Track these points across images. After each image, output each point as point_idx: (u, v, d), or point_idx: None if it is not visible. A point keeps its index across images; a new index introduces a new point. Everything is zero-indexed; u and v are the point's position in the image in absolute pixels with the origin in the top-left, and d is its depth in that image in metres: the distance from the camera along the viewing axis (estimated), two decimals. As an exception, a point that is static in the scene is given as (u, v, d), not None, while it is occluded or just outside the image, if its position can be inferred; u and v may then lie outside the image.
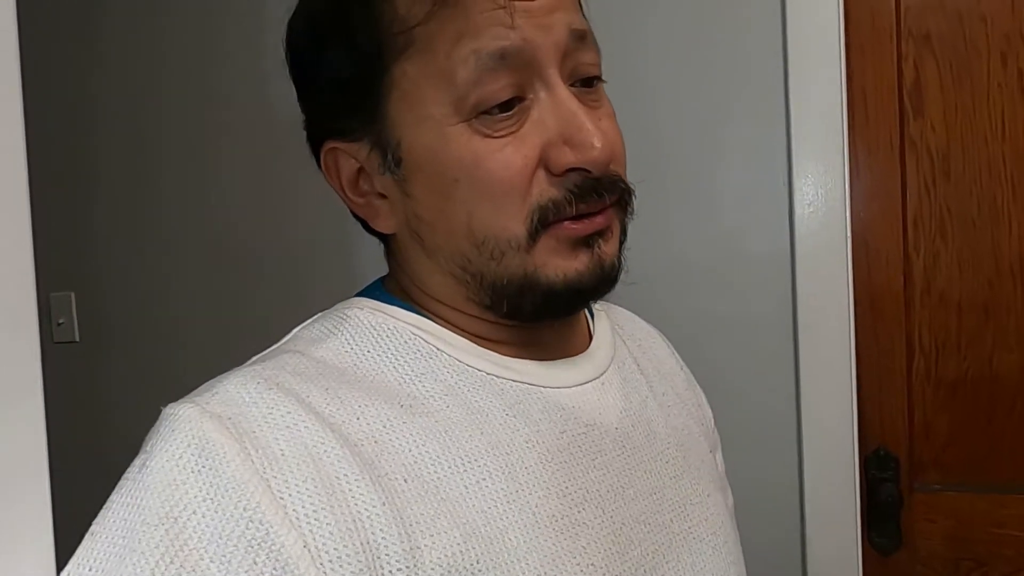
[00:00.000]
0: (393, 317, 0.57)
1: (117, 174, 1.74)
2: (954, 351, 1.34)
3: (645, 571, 0.55)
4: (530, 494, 0.52)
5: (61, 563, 0.47)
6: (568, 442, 0.55)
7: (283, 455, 0.46)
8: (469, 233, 0.53)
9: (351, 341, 0.55)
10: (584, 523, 0.53)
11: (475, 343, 0.57)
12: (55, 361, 1.70)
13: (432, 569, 0.46)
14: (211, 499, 0.44)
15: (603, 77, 0.58)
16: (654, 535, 0.57)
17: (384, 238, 0.61)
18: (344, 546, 0.45)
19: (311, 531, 0.44)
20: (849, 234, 1.34)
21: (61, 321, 1.77)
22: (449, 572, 0.47)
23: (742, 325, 1.38)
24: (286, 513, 0.44)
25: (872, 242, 1.36)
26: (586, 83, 0.56)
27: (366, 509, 0.46)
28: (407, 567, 0.46)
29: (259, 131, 1.61)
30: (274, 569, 0.43)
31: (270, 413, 0.48)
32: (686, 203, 1.40)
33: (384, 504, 0.47)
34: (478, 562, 0.48)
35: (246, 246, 1.65)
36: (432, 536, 0.47)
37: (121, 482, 0.47)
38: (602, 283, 0.56)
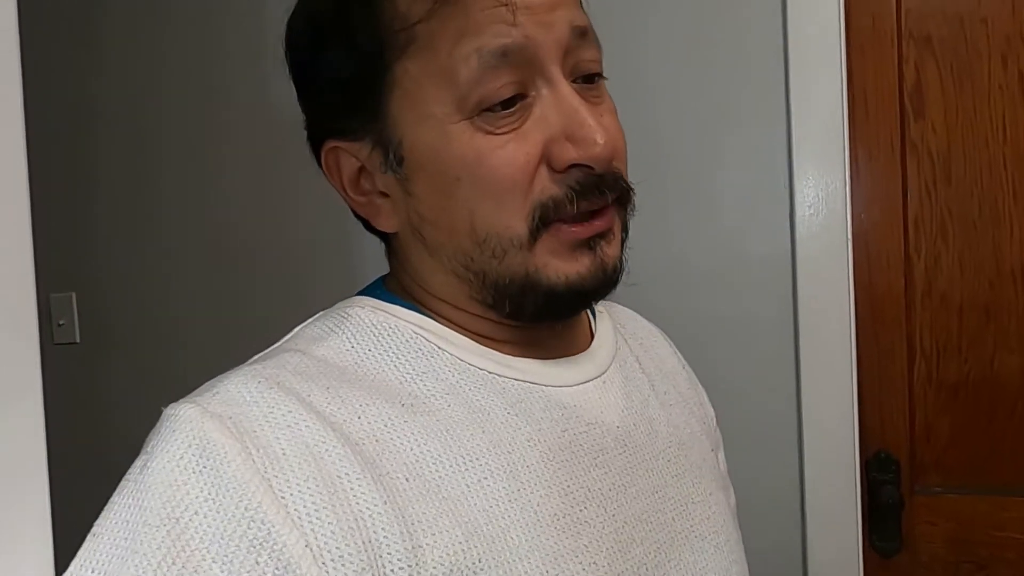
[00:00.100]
0: (394, 316, 0.57)
1: (117, 174, 1.74)
2: (955, 353, 1.34)
3: (647, 569, 0.55)
4: (532, 493, 0.52)
5: (61, 563, 0.47)
6: (570, 441, 0.55)
7: (284, 454, 0.46)
8: (471, 231, 0.53)
9: (352, 340, 0.55)
10: (586, 522, 0.53)
11: (477, 342, 0.57)
12: (56, 362, 1.70)
13: (434, 568, 0.46)
14: (212, 499, 0.44)
15: (604, 76, 0.57)
16: (656, 534, 0.57)
17: (385, 237, 0.61)
18: (346, 545, 0.45)
19: (313, 530, 0.44)
20: (850, 236, 1.34)
21: (62, 322, 1.77)
22: (451, 571, 0.47)
23: (743, 327, 1.38)
24: (288, 512, 0.44)
25: (873, 244, 1.36)
26: (588, 79, 0.56)
27: (368, 508, 0.46)
28: (409, 566, 0.46)
29: (259, 131, 1.61)
30: (276, 568, 0.43)
31: (271, 412, 0.48)
32: (686, 205, 1.40)
33: (386, 503, 0.47)
34: (480, 561, 0.48)
35: (246, 246, 1.65)
36: (434, 535, 0.47)
37: (122, 483, 0.47)
38: (604, 285, 0.56)
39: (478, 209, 0.53)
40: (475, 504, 0.49)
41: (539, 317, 0.56)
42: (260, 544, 0.43)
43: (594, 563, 0.52)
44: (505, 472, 0.51)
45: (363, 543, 0.45)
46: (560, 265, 0.54)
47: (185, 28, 1.67)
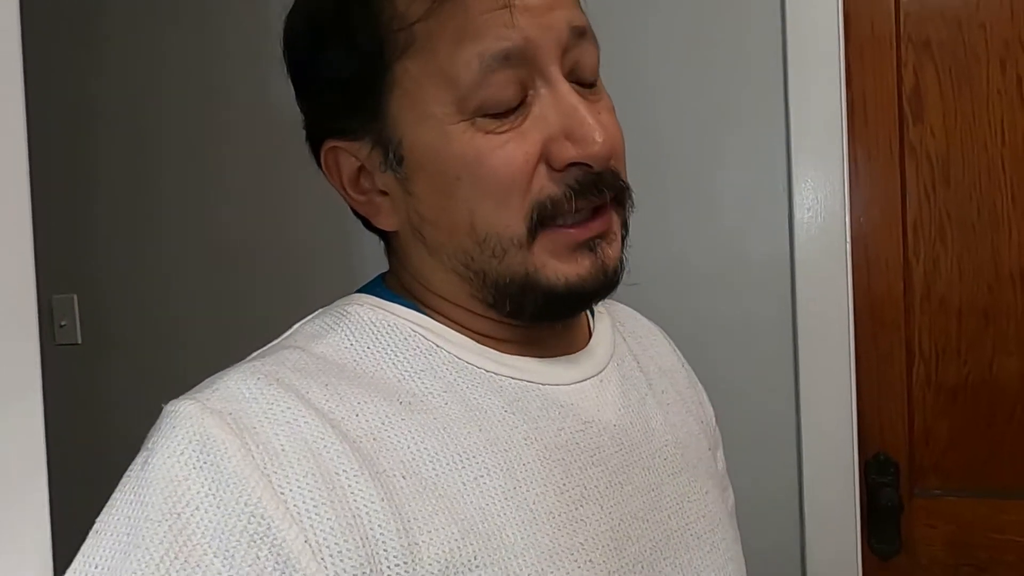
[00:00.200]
0: (393, 314, 0.57)
1: (118, 175, 1.74)
2: (954, 356, 1.34)
3: (643, 567, 0.55)
4: (528, 490, 0.52)
5: (60, 564, 0.47)
6: (566, 439, 0.55)
7: (283, 450, 0.46)
8: (471, 231, 0.54)
9: (351, 337, 0.55)
10: (582, 519, 0.53)
11: (475, 340, 0.57)
12: (57, 363, 1.70)
13: (430, 565, 0.47)
14: (213, 494, 0.44)
15: (603, 78, 0.58)
16: (652, 531, 0.57)
17: (385, 236, 0.61)
18: (344, 541, 0.45)
19: (312, 526, 0.45)
20: (849, 239, 1.34)
21: (63, 323, 1.77)
22: (447, 568, 0.47)
23: (742, 329, 1.38)
24: (287, 508, 0.44)
25: (872, 247, 1.36)
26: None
27: (365, 505, 0.46)
28: (405, 563, 0.46)
29: (259, 131, 1.61)
30: (276, 563, 0.43)
31: (270, 409, 0.48)
32: (686, 206, 1.40)
33: (383, 500, 0.47)
34: (476, 558, 0.48)
35: (246, 246, 1.65)
36: (430, 532, 0.47)
37: (124, 479, 0.47)
38: (604, 287, 0.56)
39: (478, 209, 0.53)
40: (471, 501, 0.50)
41: (539, 317, 0.57)
42: (260, 539, 0.44)
43: (590, 560, 0.52)
44: (502, 470, 0.52)
45: (361, 539, 0.46)
46: (559, 266, 0.54)
47: (185, 28, 1.67)
